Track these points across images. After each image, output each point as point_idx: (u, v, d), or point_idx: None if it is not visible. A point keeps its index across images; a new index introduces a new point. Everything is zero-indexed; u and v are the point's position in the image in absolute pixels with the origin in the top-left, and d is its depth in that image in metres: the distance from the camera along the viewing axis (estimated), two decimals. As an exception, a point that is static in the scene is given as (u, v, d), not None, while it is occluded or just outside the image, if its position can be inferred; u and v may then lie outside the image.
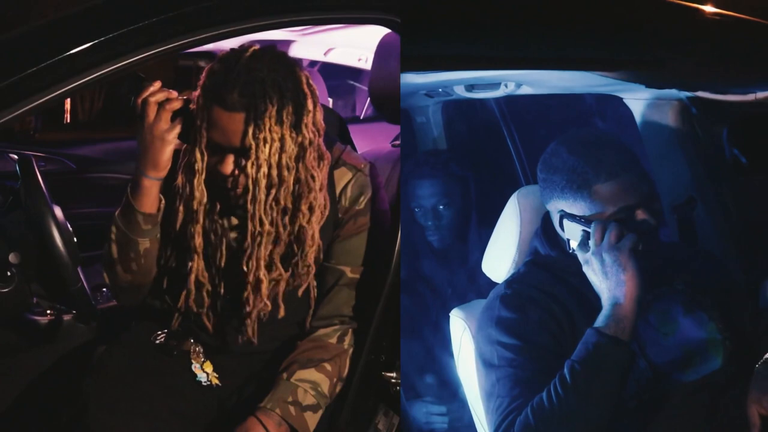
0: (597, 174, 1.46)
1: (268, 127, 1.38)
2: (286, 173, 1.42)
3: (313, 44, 2.86)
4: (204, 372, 1.57)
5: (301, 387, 1.48)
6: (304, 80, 1.44)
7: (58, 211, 1.61)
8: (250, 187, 1.41)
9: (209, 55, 3.10)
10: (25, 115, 1.17)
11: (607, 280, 1.39)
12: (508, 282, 1.58)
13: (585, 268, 1.44)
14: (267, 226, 1.44)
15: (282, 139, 1.40)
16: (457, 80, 1.90)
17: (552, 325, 1.45)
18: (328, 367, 1.52)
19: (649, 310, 1.51)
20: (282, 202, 1.44)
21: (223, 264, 1.51)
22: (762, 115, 1.94)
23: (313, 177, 1.47)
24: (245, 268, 1.47)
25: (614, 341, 1.34)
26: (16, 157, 1.73)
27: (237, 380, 1.58)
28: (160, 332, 1.59)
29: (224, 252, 1.50)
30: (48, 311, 1.84)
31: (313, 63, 3.29)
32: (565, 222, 1.50)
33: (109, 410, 1.44)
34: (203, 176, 1.45)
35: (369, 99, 3.06)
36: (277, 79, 1.39)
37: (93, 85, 1.22)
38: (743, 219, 2.02)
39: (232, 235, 1.51)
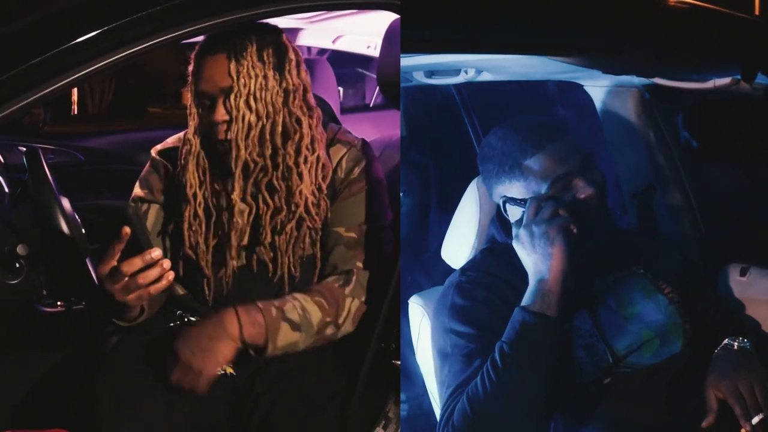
0: (523, 151, 1.48)
1: (249, 63, 1.47)
2: (270, 109, 1.48)
3: (321, 32, 2.84)
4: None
5: (291, 302, 1.49)
6: (284, 36, 1.53)
7: (66, 203, 1.60)
8: (234, 116, 1.46)
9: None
10: (32, 104, 1.17)
11: (534, 253, 1.38)
12: (463, 269, 1.58)
13: (514, 243, 1.43)
14: (243, 152, 1.48)
15: (265, 78, 1.47)
16: (416, 66, 1.89)
17: (506, 312, 1.43)
18: (324, 304, 1.52)
19: (609, 294, 1.50)
20: (266, 138, 1.49)
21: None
22: (718, 101, 1.94)
23: (299, 121, 1.52)
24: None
25: (540, 317, 1.33)
26: (24, 149, 1.73)
27: (250, 368, 1.57)
28: (171, 323, 1.59)
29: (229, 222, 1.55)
30: (58, 303, 1.84)
31: (322, 51, 3.27)
32: (508, 207, 1.51)
33: (120, 402, 1.44)
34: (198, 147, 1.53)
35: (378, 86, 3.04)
36: (254, 26, 1.49)
37: (99, 75, 1.22)
38: (703, 205, 2.02)
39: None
